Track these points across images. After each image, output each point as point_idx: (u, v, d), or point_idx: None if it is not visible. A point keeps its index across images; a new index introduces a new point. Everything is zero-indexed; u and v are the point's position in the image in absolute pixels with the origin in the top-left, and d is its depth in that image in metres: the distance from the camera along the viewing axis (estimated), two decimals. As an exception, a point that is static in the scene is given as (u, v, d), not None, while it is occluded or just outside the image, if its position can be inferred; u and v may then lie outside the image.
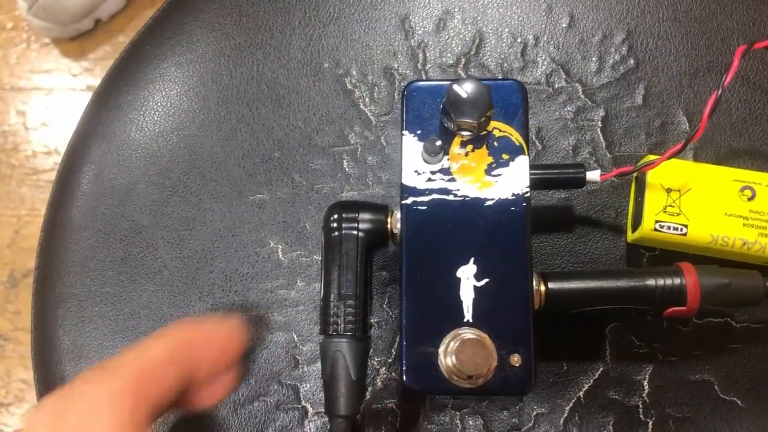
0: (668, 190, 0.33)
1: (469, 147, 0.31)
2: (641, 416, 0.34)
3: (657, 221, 0.33)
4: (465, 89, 0.30)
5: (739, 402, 0.34)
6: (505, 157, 0.31)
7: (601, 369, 0.34)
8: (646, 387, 0.34)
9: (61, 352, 0.37)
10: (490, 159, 0.31)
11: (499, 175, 0.30)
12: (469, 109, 0.30)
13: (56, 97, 1.12)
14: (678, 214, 0.33)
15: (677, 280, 0.31)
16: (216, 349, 0.29)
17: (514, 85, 0.31)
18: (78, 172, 0.39)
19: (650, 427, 0.33)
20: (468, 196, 0.30)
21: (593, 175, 0.33)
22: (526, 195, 0.30)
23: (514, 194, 0.30)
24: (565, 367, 0.34)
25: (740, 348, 0.34)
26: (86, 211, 0.38)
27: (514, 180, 0.30)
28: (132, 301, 0.37)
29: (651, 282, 0.31)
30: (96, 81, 1.10)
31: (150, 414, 0.26)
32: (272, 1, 0.39)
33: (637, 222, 0.34)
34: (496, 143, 0.31)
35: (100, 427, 0.24)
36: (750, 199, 0.33)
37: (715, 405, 0.34)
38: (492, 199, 0.30)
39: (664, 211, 0.33)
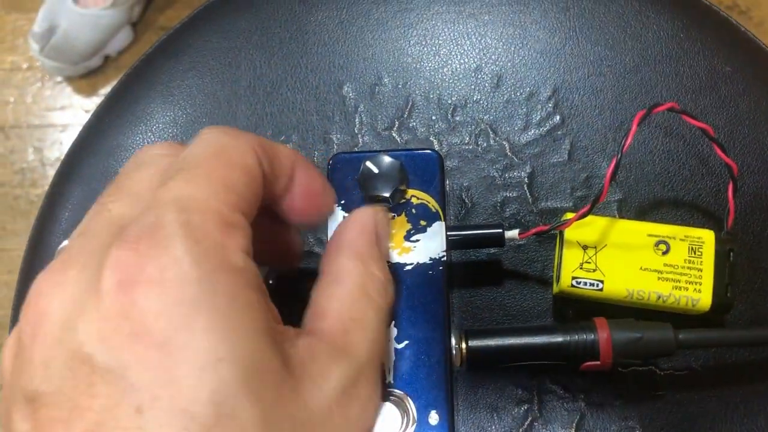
0: (584, 247, 0.34)
1: (389, 215, 0.33)
2: (569, 463, 0.35)
3: (573, 278, 0.34)
4: (377, 165, 0.32)
5: (662, 448, 0.35)
6: (423, 223, 0.32)
7: (529, 419, 0.36)
8: (574, 435, 0.35)
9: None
10: (409, 225, 0.32)
11: (417, 240, 0.32)
12: (381, 184, 0.32)
13: (71, 133, 1.16)
14: (594, 270, 0.34)
15: (590, 336, 0.32)
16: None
17: (431, 155, 0.33)
18: (59, 209, 0.42)
19: (577, 474, 0.35)
20: (389, 262, 0.32)
21: (512, 234, 0.34)
22: (443, 259, 0.32)
23: (431, 258, 0.32)
24: (495, 418, 0.36)
25: (665, 395, 0.35)
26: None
27: (431, 245, 0.32)
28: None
29: (566, 338, 0.33)
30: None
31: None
32: (220, 72, 0.42)
33: (557, 277, 0.35)
34: (414, 210, 0.33)
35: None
36: (665, 253, 0.34)
37: (640, 451, 0.35)
38: (411, 264, 0.32)
39: (581, 268, 0.34)
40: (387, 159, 0.32)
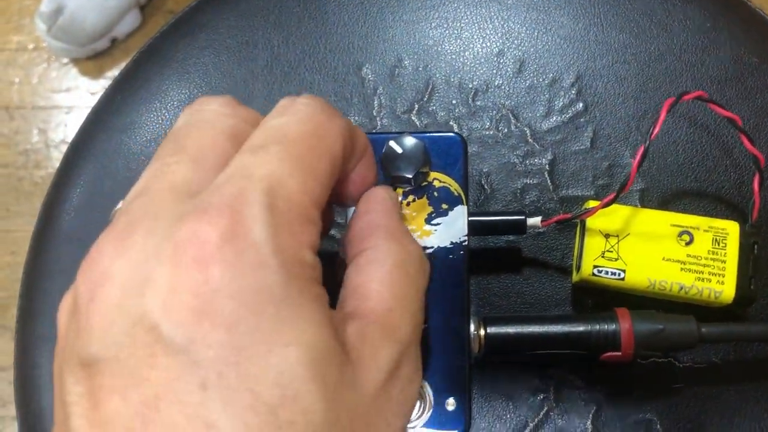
0: (607, 236, 0.34)
1: (410, 197, 0.32)
2: (584, 455, 0.35)
3: (595, 266, 0.34)
4: (401, 145, 0.31)
5: (680, 441, 0.34)
6: (445, 206, 0.32)
7: (545, 408, 0.35)
8: (590, 427, 0.35)
9: (41, 388, 0.40)
10: (430, 209, 0.32)
11: (439, 224, 0.32)
12: (404, 165, 0.31)
13: (76, 114, 1.16)
14: (616, 259, 0.34)
15: (612, 326, 0.32)
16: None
17: (454, 138, 0.32)
18: (65, 197, 0.42)
19: (592, 465, 0.34)
20: None
21: (534, 221, 0.34)
22: (464, 243, 0.31)
23: (452, 242, 0.31)
24: (510, 406, 0.35)
25: (683, 388, 0.35)
26: (77, 222, 0.41)
27: (452, 229, 0.32)
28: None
29: (587, 327, 0.32)
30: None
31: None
32: (237, 52, 0.41)
33: (578, 265, 0.35)
34: (436, 193, 0.32)
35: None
36: (688, 243, 0.34)
37: (657, 444, 0.34)
38: (431, 247, 0.31)
39: (603, 256, 0.34)
40: (411, 140, 0.31)
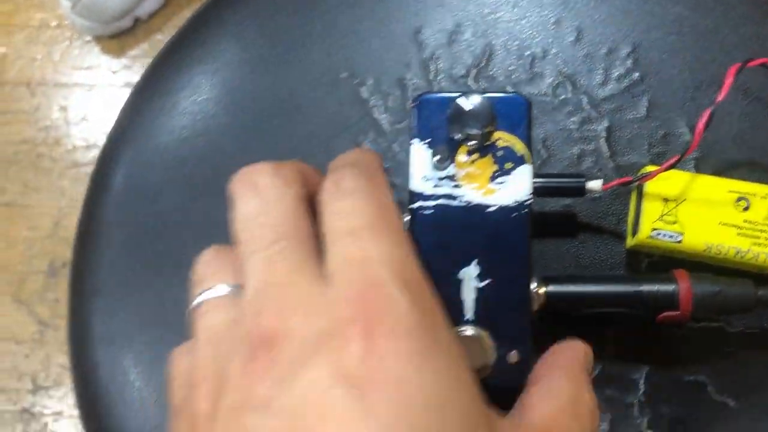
0: (665, 200, 0.34)
1: (475, 155, 0.32)
2: (637, 413, 0.35)
3: (653, 229, 0.34)
4: (469, 103, 0.32)
5: (730, 403, 0.35)
6: (509, 166, 0.32)
7: (600, 367, 0.36)
8: (642, 386, 0.35)
9: (94, 339, 0.40)
10: (495, 167, 0.32)
11: (503, 182, 0.32)
12: (472, 122, 0.32)
13: (96, 93, 1.16)
14: (674, 223, 0.34)
15: (671, 286, 0.32)
16: None
17: (519, 98, 0.33)
18: (112, 171, 0.42)
19: (645, 424, 0.35)
20: (472, 202, 0.32)
21: (595, 184, 0.34)
22: (527, 202, 0.32)
23: (516, 201, 0.32)
24: (563, 366, 0.36)
25: (734, 352, 0.35)
26: (119, 208, 0.41)
27: (516, 188, 0.32)
28: (160, 294, 0.39)
29: (646, 288, 0.33)
30: (135, 78, 1.14)
31: None
32: (292, 16, 0.41)
33: (635, 229, 0.35)
34: (500, 152, 0.33)
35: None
36: (745, 209, 0.34)
37: (708, 405, 0.35)
38: (495, 206, 0.32)
39: (661, 219, 0.34)
40: (478, 98, 0.32)
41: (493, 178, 0.32)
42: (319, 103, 0.40)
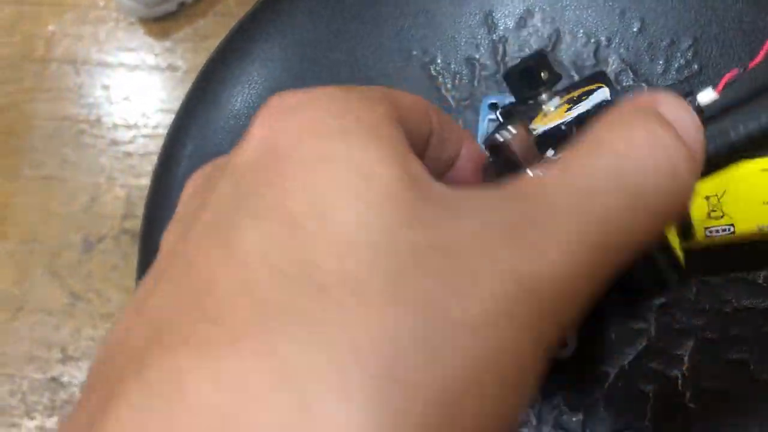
0: (707, 197, 0.36)
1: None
2: (680, 387, 0.37)
3: (705, 228, 0.36)
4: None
5: (773, 382, 0.37)
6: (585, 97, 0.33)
7: (645, 341, 0.37)
8: (686, 361, 0.37)
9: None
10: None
11: (581, 103, 0.32)
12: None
13: (138, 74, 1.19)
14: (722, 217, 0.36)
15: None
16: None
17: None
18: (185, 136, 0.44)
19: (687, 397, 0.37)
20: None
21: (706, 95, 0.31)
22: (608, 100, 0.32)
23: (594, 105, 0.31)
24: (613, 337, 0.38)
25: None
26: (192, 168, 0.43)
27: (597, 99, 0.31)
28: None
29: None
30: (177, 61, 1.17)
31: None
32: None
33: (687, 233, 0.36)
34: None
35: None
36: None
37: (749, 383, 0.37)
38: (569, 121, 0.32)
39: (709, 217, 0.36)
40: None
41: (569, 109, 0.32)
42: (389, 79, 0.42)
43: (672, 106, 0.19)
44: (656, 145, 0.18)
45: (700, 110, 0.27)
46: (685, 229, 0.36)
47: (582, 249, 0.16)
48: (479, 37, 0.42)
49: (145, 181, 1.12)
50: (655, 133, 0.18)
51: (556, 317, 0.16)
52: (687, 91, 0.29)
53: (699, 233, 0.35)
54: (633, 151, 0.18)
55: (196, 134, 0.44)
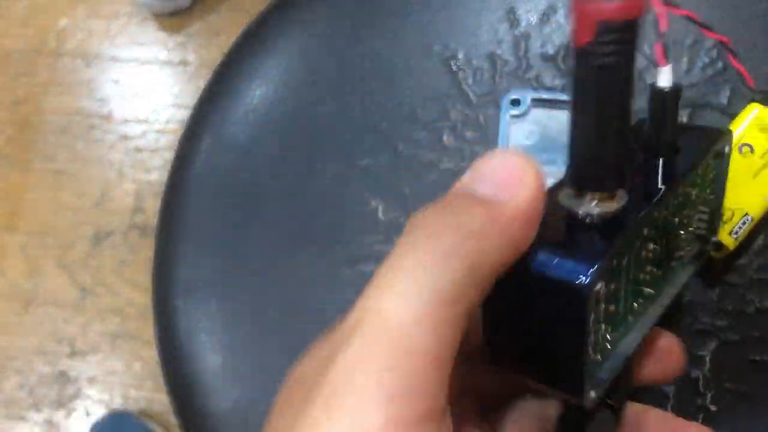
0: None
1: None
2: (701, 388, 0.37)
3: (730, 233, 0.35)
4: None
5: (795, 384, 0.36)
6: None
7: (667, 342, 0.37)
8: (708, 362, 0.37)
9: (177, 285, 0.42)
10: None
11: None
12: None
13: (150, 69, 1.18)
14: (733, 215, 0.35)
15: None
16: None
17: None
18: (203, 127, 0.44)
19: (709, 398, 0.36)
20: None
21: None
22: None
23: None
24: (634, 337, 0.37)
25: (801, 336, 0.37)
26: (209, 161, 0.43)
27: None
28: (245, 244, 0.41)
29: None
30: (188, 56, 1.16)
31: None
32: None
33: (717, 244, 0.35)
34: None
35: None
36: (753, 151, 0.35)
37: (773, 385, 0.36)
38: None
39: (729, 221, 0.35)
40: None
41: None
42: (410, 73, 0.42)
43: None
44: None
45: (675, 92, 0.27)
46: (717, 247, 0.36)
47: None
48: (501, 32, 0.42)
49: (155, 177, 1.12)
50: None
51: None
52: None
53: (727, 241, 0.35)
54: None
55: (213, 128, 0.44)
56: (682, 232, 0.27)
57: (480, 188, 0.20)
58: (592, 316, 0.21)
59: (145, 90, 1.17)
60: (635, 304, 0.25)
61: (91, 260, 1.10)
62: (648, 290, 0.25)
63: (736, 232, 0.35)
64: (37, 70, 1.19)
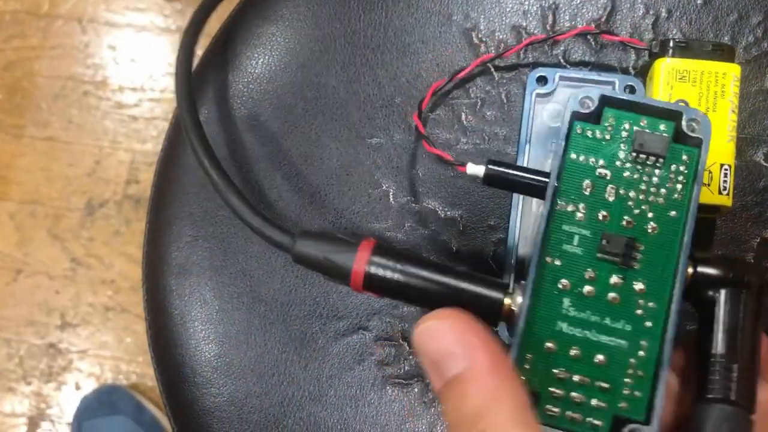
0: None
1: None
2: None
3: (720, 192, 0.33)
4: None
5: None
6: None
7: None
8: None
9: (170, 267, 0.39)
10: None
11: None
12: None
13: (146, 35, 1.15)
14: (710, 173, 0.33)
15: None
16: None
17: None
18: (199, 100, 0.41)
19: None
20: None
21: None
22: None
23: None
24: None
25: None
26: (207, 134, 0.40)
27: None
28: (244, 227, 0.38)
29: None
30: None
31: None
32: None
33: (714, 210, 0.33)
34: None
35: None
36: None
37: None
38: None
39: (708, 186, 0.33)
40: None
41: None
42: (427, 45, 0.39)
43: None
44: None
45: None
46: (713, 210, 0.33)
47: None
48: (527, 3, 0.38)
49: (150, 147, 1.09)
50: None
51: None
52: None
53: (722, 201, 0.32)
54: None
55: (212, 98, 0.41)
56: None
57: (447, 372, 0.22)
58: None
59: (141, 57, 1.14)
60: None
61: (84, 231, 1.07)
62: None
63: (725, 188, 0.32)
64: (29, 32, 1.15)
